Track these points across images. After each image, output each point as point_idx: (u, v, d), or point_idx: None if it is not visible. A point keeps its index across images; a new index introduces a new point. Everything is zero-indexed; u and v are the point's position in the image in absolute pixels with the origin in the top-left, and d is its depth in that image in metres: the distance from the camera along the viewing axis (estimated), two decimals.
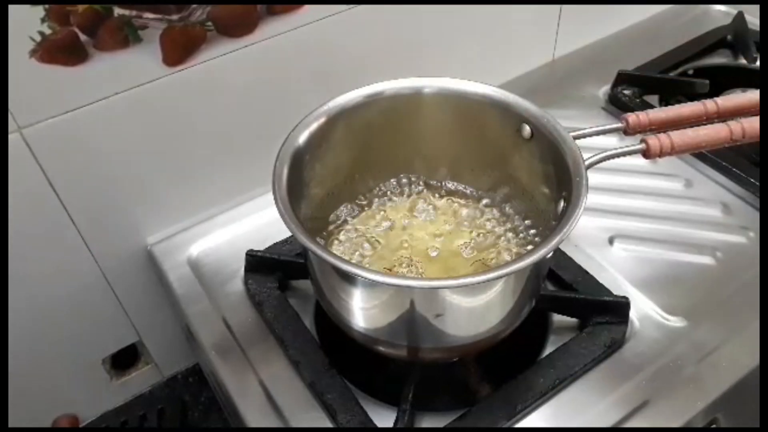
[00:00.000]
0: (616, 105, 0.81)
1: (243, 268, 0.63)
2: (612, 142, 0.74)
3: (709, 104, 0.52)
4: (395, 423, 0.50)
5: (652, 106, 0.81)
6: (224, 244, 0.67)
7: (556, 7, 0.83)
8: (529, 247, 0.56)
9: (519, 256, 0.42)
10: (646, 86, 0.82)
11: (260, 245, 0.64)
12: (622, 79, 0.81)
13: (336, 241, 0.57)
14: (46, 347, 0.67)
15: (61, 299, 0.64)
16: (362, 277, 0.41)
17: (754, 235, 0.66)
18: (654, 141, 0.50)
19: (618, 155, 0.50)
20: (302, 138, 0.51)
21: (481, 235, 0.57)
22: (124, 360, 0.75)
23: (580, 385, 0.53)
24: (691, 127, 0.51)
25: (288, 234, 0.62)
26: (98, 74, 0.54)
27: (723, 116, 0.51)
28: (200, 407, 0.78)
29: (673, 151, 0.50)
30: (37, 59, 0.51)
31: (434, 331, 0.46)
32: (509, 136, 0.53)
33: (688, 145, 0.51)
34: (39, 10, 0.49)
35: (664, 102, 0.83)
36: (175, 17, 0.55)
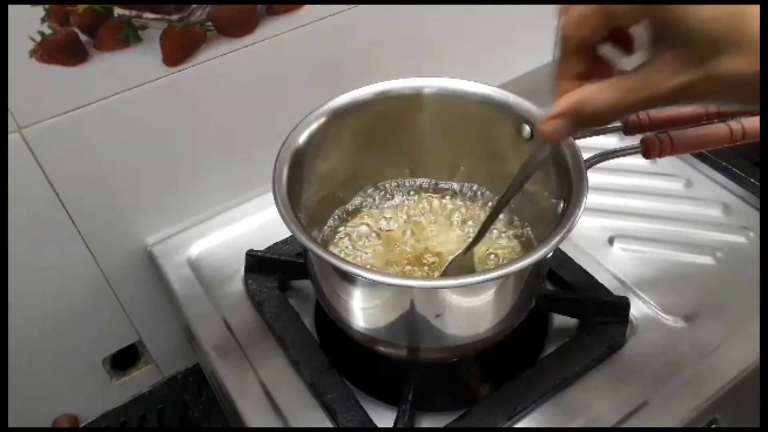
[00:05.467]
0: None
1: (243, 268, 0.63)
2: (612, 142, 0.74)
3: None
4: (395, 423, 0.50)
5: None
6: (224, 244, 0.67)
7: (556, 7, 0.83)
8: (529, 248, 0.56)
9: (519, 256, 0.42)
10: None
11: (260, 245, 0.64)
12: None
13: (336, 241, 0.57)
14: (46, 347, 0.67)
15: (61, 299, 0.65)
16: (362, 277, 0.41)
17: (754, 235, 0.66)
18: (654, 141, 0.50)
19: (618, 155, 0.50)
20: (302, 138, 0.51)
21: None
22: (124, 360, 0.75)
23: (580, 385, 0.53)
24: (691, 126, 0.51)
25: (288, 234, 0.63)
26: (98, 74, 0.54)
27: (723, 116, 0.51)
28: (200, 407, 0.78)
29: (673, 151, 0.50)
30: (37, 59, 0.51)
31: (434, 331, 0.46)
32: (509, 136, 0.53)
33: (688, 144, 0.51)
34: (39, 10, 0.49)
35: None
36: (175, 17, 0.55)
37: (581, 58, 0.37)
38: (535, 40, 0.86)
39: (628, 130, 0.53)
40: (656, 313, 0.59)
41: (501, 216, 0.59)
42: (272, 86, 0.65)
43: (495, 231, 0.58)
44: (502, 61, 0.84)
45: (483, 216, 0.59)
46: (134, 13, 0.53)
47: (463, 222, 0.59)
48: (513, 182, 0.46)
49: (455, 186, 0.61)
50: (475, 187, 0.61)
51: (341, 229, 0.58)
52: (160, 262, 0.65)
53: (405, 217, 0.59)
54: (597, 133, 0.52)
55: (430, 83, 0.55)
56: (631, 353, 0.56)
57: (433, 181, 0.62)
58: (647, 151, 0.50)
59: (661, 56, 0.33)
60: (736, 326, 0.57)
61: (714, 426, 0.55)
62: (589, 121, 0.36)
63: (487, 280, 0.41)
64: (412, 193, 0.61)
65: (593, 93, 0.35)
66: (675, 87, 0.32)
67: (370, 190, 0.61)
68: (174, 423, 0.76)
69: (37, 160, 0.55)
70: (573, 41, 0.37)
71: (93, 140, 0.57)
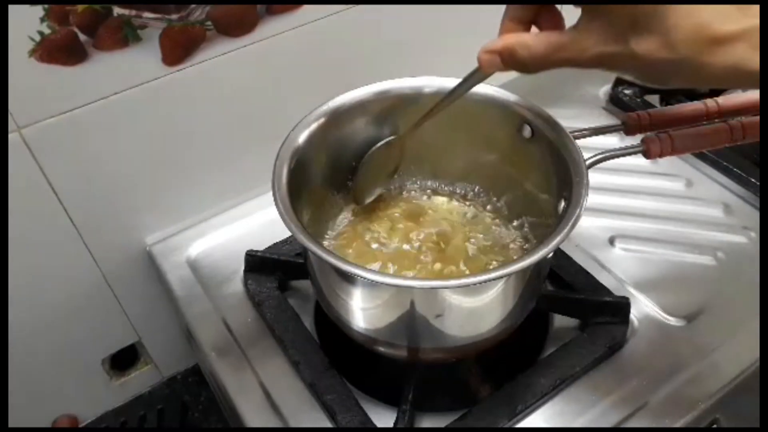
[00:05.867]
0: (617, 105, 0.81)
1: (243, 268, 0.63)
2: (612, 142, 0.74)
3: (710, 104, 0.51)
4: (395, 423, 0.50)
5: (652, 106, 0.81)
6: (224, 244, 0.67)
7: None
8: (529, 248, 0.56)
9: (519, 256, 0.42)
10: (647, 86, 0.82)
11: (260, 245, 0.64)
12: (623, 78, 0.81)
13: (336, 241, 0.57)
14: (46, 347, 0.67)
15: (60, 299, 0.64)
16: (362, 277, 0.41)
17: (755, 235, 0.66)
18: (654, 141, 0.50)
19: (618, 155, 0.50)
20: (302, 138, 0.51)
21: (480, 235, 0.57)
22: (124, 360, 0.75)
23: (580, 385, 0.53)
24: (692, 126, 0.51)
25: (288, 234, 0.62)
26: (98, 74, 0.54)
27: (724, 115, 0.51)
28: (200, 407, 0.78)
29: (674, 150, 0.50)
30: (37, 59, 0.51)
31: (434, 331, 0.46)
32: (509, 136, 0.53)
33: (689, 144, 0.51)
34: (38, 10, 0.49)
35: (665, 102, 0.83)
36: (174, 17, 0.55)
37: (527, 7, 0.40)
38: None
39: (628, 130, 0.53)
40: (657, 313, 0.59)
41: (500, 216, 0.59)
42: (272, 86, 0.65)
43: (495, 230, 0.58)
44: None
45: (483, 215, 0.59)
46: (134, 12, 0.53)
47: (463, 222, 0.58)
48: (450, 93, 0.48)
49: (455, 186, 0.61)
50: (476, 188, 0.61)
51: (341, 228, 0.58)
52: (160, 262, 0.65)
53: (404, 216, 0.59)
54: (597, 133, 0.52)
55: (430, 83, 0.55)
56: (632, 353, 0.55)
57: (433, 181, 0.61)
58: (648, 151, 0.50)
59: (591, 23, 0.36)
60: (737, 326, 0.57)
61: (714, 426, 0.55)
62: (516, 66, 0.40)
63: (488, 280, 0.41)
64: (411, 192, 0.61)
65: (527, 42, 0.39)
66: (596, 54, 0.36)
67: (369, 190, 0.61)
68: (174, 423, 0.76)
69: (36, 160, 0.55)
70: None
71: (92, 140, 0.57)
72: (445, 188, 0.61)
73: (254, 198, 0.71)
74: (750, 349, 0.55)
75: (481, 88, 0.54)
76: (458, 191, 0.61)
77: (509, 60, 0.40)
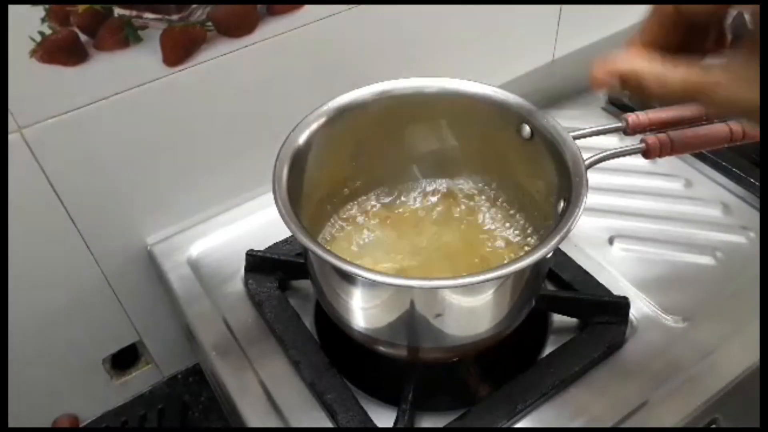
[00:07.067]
0: (616, 105, 0.81)
1: (243, 268, 0.63)
2: (612, 142, 0.74)
3: None
4: (395, 423, 0.50)
5: (652, 106, 0.80)
6: (224, 244, 0.67)
7: (556, 7, 0.83)
8: (529, 248, 0.56)
9: (519, 256, 0.42)
10: None
11: (260, 245, 0.64)
12: None
13: (336, 240, 0.57)
14: (46, 347, 0.67)
15: (61, 299, 0.65)
16: (362, 277, 0.41)
17: (754, 235, 0.66)
18: (654, 141, 0.50)
19: (618, 155, 0.50)
20: (302, 138, 0.51)
21: (480, 235, 0.57)
22: (124, 360, 0.75)
23: (580, 385, 0.53)
24: (691, 126, 0.51)
25: (288, 234, 0.63)
26: (98, 74, 0.54)
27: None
28: (200, 407, 0.78)
29: (673, 151, 0.50)
30: (37, 59, 0.51)
31: (434, 330, 0.46)
32: (509, 136, 0.53)
33: (688, 145, 0.51)
34: (39, 10, 0.49)
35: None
36: (175, 17, 0.55)
37: (676, 31, 0.35)
38: (535, 40, 0.86)
39: (627, 130, 0.53)
40: (656, 313, 0.59)
41: (500, 216, 0.59)
42: (272, 86, 0.65)
43: (494, 230, 0.58)
44: (502, 61, 0.84)
45: (483, 215, 0.59)
46: (134, 13, 0.53)
47: (463, 222, 0.59)
48: None
49: (455, 186, 0.61)
50: (475, 188, 0.61)
51: (341, 228, 0.58)
52: (160, 262, 0.65)
53: (404, 216, 0.59)
54: (597, 134, 0.52)
55: (430, 83, 0.55)
56: (631, 353, 0.56)
57: (433, 181, 0.62)
58: (647, 151, 0.50)
59: (747, 63, 0.31)
60: (736, 326, 0.57)
61: (714, 426, 0.55)
62: (639, 94, 0.35)
63: (487, 280, 0.41)
64: (411, 192, 0.61)
65: (665, 77, 0.34)
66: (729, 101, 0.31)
67: (369, 190, 0.61)
68: (174, 423, 0.76)
69: (37, 160, 0.55)
70: (671, 13, 0.35)
71: (93, 140, 0.57)
72: (444, 187, 0.61)
73: (254, 198, 0.71)
74: (749, 349, 0.55)
75: (481, 88, 0.54)
76: (457, 190, 0.61)
77: (633, 88, 0.35)
